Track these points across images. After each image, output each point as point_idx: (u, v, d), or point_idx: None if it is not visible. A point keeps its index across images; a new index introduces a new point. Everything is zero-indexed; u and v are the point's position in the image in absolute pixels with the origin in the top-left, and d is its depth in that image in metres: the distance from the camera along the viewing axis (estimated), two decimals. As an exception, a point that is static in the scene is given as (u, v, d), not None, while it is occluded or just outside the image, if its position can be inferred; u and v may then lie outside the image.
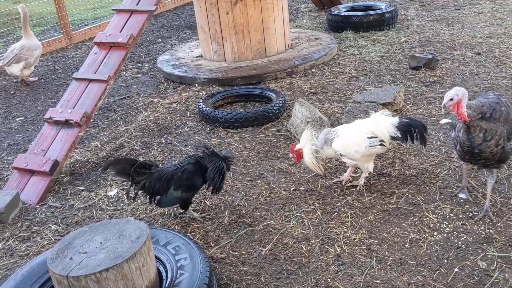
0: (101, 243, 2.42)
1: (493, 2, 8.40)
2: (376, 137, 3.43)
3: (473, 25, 7.29)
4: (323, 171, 3.59)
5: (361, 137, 3.43)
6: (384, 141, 3.43)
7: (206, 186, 3.36)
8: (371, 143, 3.41)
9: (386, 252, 2.96)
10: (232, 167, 3.72)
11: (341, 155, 3.51)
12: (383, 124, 3.47)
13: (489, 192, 3.19)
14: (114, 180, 4.10)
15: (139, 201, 3.74)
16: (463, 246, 2.94)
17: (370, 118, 3.60)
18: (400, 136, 3.44)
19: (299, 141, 4.37)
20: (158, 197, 3.31)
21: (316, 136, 3.58)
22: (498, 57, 5.91)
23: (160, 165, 3.78)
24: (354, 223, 3.25)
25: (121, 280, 2.29)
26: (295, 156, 3.58)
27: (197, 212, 3.51)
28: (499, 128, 2.90)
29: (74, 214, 3.72)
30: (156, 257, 2.64)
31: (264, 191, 3.72)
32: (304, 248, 3.08)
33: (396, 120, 3.50)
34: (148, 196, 3.30)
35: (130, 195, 3.39)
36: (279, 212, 3.46)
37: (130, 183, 3.25)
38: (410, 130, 3.46)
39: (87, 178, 4.21)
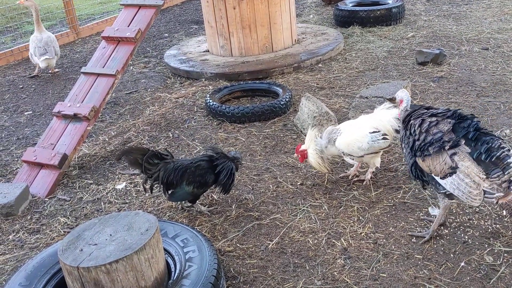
0: (110, 235, 2.46)
1: (501, -3, 8.36)
2: (378, 131, 3.43)
3: (481, 20, 7.25)
4: (328, 169, 3.62)
5: (363, 133, 3.44)
6: (387, 135, 3.43)
7: (216, 185, 3.40)
8: (373, 138, 3.41)
9: (393, 246, 2.98)
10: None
11: (343, 154, 3.53)
12: (386, 118, 3.47)
13: (438, 218, 2.96)
14: (122, 174, 4.14)
15: (147, 195, 3.77)
16: (469, 240, 2.95)
17: (374, 113, 3.60)
18: None
19: (305, 135, 4.39)
20: (171, 190, 3.34)
21: (320, 136, 3.61)
22: (506, 52, 5.88)
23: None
24: (360, 218, 3.27)
25: (130, 271, 2.32)
26: (299, 156, 3.61)
27: (204, 206, 3.54)
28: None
29: (83, 207, 3.76)
30: (165, 249, 2.67)
31: (271, 185, 3.74)
32: (311, 241, 3.10)
33: (397, 112, 3.47)
34: (162, 187, 3.33)
35: (146, 186, 3.41)
36: (286, 206, 3.48)
37: (142, 173, 3.28)
38: None
39: (95, 172, 4.25)
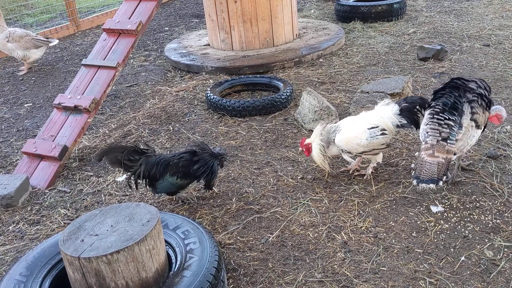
0: (112, 226, 2.45)
1: (503, -7, 8.34)
2: (377, 127, 3.42)
3: (482, 16, 7.24)
4: (329, 168, 3.62)
5: (361, 130, 3.43)
6: (385, 130, 3.43)
7: (198, 180, 3.38)
8: (371, 134, 3.41)
9: (393, 240, 2.98)
10: (231, 161, 3.75)
11: (342, 151, 3.53)
12: (386, 114, 3.46)
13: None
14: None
15: (145, 190, 3.76)
16: (470, 235, 2.96)
17: (374, 109, 3.59)
18: (405, 122, 3.42)
19: (306, 129, 4.39)
20: (154, 182, 3.31)
21: (323, 134, 3.61)
22: (507, 49, 5.88)
23: (158, 151, 3.77)
24: (361, 212, 3.27)
25: (131, 262, 2.32)
26: (304, 150, 3.61)
27: (185, 193, 3.52)
28: None
29: (83, 199, 3.75)
30: (166, 241, 2.67)
31: (271, 179, 3.74)
32: (311, 235, 3.10)
33: (396, 108, 3.47)
34: (144, 181, 3.30)
35: (131, 184, 3.37)
36: (286, 200, 3.48)
37: (124, 172, 3.23)
38: (413, 111, 3.44)
39: (95, 164, 4.24)
